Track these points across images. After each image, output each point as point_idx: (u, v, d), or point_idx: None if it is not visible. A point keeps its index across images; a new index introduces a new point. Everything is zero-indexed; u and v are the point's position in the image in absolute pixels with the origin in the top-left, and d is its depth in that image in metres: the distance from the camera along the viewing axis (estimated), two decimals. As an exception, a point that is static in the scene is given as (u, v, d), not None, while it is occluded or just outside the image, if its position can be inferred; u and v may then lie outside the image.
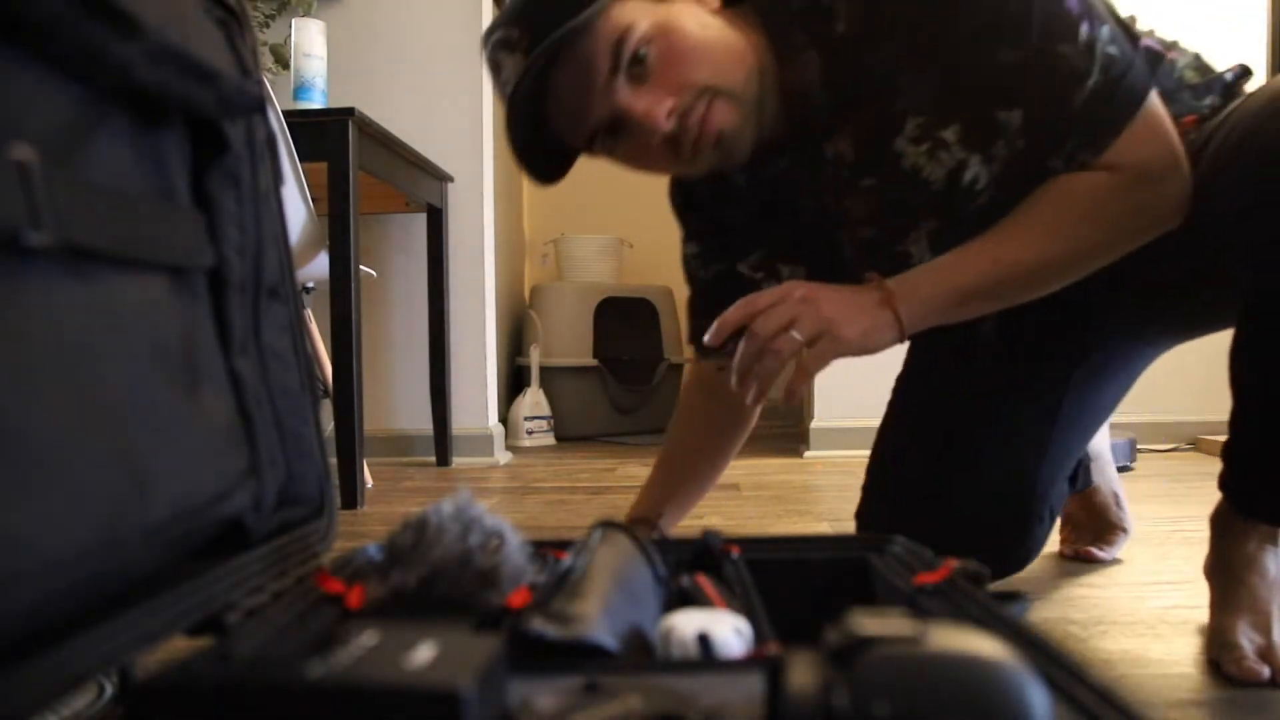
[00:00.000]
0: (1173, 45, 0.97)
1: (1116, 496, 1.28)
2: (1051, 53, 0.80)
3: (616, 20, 0.83)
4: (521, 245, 3.66)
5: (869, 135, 0.90)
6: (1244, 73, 0.94)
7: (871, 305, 0.82)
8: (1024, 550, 1.00)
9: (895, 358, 1.17)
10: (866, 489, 1.07)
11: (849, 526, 1.15)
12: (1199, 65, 0.96)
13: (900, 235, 0.95)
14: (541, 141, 0.90)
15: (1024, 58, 0.80)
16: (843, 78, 0.89)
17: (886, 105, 0.88)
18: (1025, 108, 0.83)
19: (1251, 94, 0.86)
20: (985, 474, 0.96)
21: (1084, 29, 0.79)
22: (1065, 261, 0.85)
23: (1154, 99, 0.83)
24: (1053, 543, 1.33)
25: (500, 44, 0.86)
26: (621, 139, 0.87)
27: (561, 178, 0.95)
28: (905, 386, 1.10)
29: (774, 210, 1.02)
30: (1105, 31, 0.80)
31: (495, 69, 0.88)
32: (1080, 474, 1.22)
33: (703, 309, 1.14)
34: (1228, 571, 0.84)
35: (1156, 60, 0.90)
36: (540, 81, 0.84)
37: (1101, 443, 1.27)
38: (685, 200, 1.13)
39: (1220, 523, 0.86)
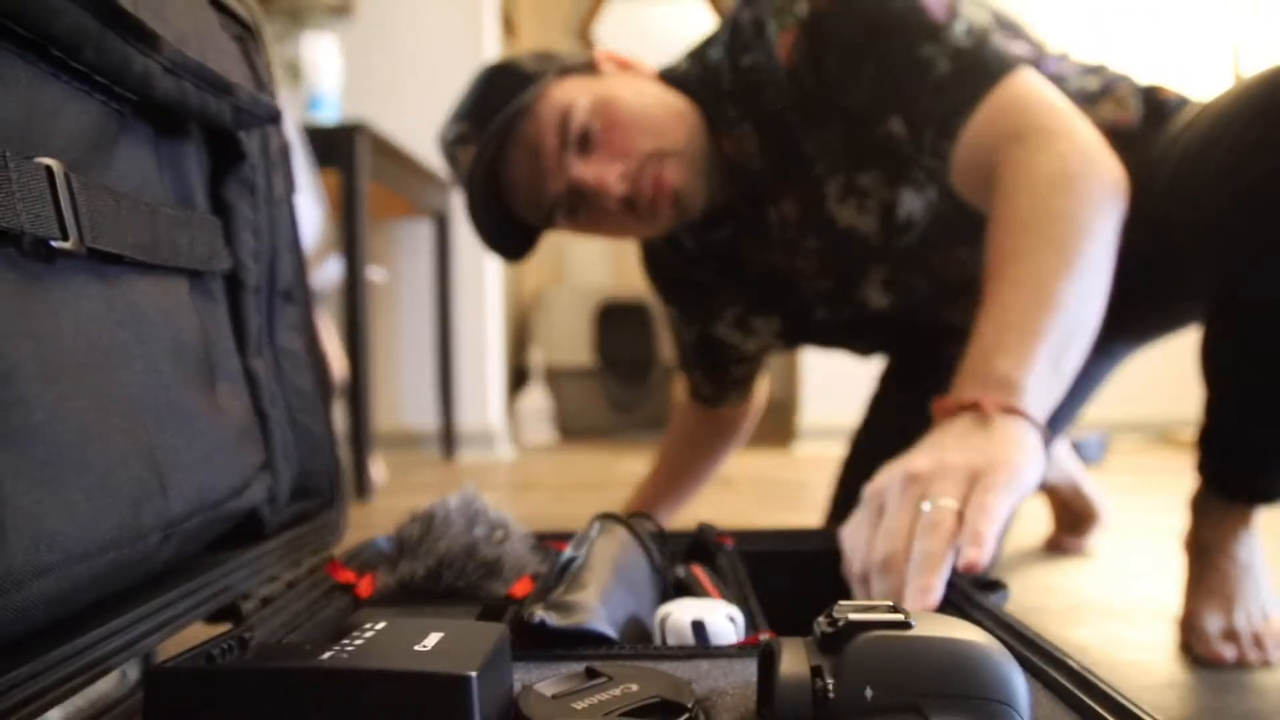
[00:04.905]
0: (1061, 57, 0.92)
1: (1075, 488, 1.30)
2: (910, 55, 0.78)
3: (557, 100, 0.88)
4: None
5: (807, 200, 0.93)
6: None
7: (980, 431, 0.63)
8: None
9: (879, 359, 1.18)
10: (834, 503, 1.06)
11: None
12: (1091, 68, 0.92)
13: (856, 283, 0.99)
14: (504, 223, 0.95)
15: (885, 65, 0.80)
16: (777, 148, 0.91)
17: (810, 171, 0.91)
18: (901, 113, 0.81)
19: (1209, 102, 0.82)
20: None
21: (946, 30, 0.78)
22: (1075, 246, 0.68)
23: (1022, 75, 0.76)
24: (1035, 535, 1.35)
25: (455, 140, 0.91)
26: (580, 209, 0.91)
27: (529, 254, 1.00)
28: (872, 408, 1.11)
29: (731, 269, 1.06)
30: (962, 27, 0.78)
31: (454, 163, 0.93)
32: None
33: (693, 364, 1.19)
34: (1201, 553, 0.85)
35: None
36: (493, 167, 0.89)
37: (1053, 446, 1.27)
38: (654, 269, 1.16)
39: (1197, 506, 0.87)
